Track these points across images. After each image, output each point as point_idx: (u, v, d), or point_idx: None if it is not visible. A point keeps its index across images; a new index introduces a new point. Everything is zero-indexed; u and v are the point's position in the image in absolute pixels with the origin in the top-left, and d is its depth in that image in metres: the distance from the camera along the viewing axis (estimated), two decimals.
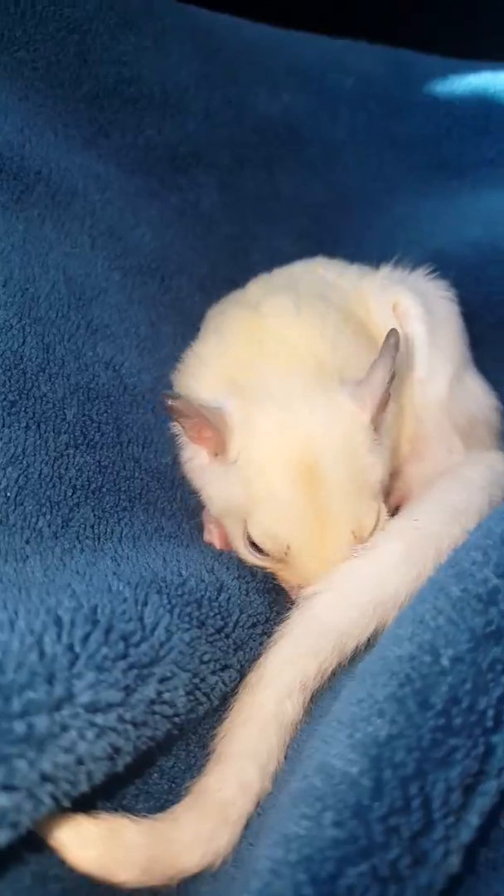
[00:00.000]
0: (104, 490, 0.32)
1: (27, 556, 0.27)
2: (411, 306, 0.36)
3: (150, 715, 0.22)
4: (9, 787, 0.19)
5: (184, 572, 0.27)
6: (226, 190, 0.54)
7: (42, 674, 0.20)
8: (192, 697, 0.24)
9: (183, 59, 0.53)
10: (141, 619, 0.23)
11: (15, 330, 0.33)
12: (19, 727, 0.19)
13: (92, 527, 0.30)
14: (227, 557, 0.31)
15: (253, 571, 0.30)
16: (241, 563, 0.31)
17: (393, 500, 0.35)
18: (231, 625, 0.27)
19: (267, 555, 0.29)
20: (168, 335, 0.42)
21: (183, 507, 0.35)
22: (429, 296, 0.37)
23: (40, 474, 0.30)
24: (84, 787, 0.20)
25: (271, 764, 0.24)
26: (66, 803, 0.20)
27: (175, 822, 0.23)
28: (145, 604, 0.24)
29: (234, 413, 0.30)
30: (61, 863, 0.21)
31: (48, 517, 0.29)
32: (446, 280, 0.39)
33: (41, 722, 0.19)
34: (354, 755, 0.20)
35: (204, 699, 0.25)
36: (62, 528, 0.29)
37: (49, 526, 0.29)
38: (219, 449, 0.30)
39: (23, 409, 0.31)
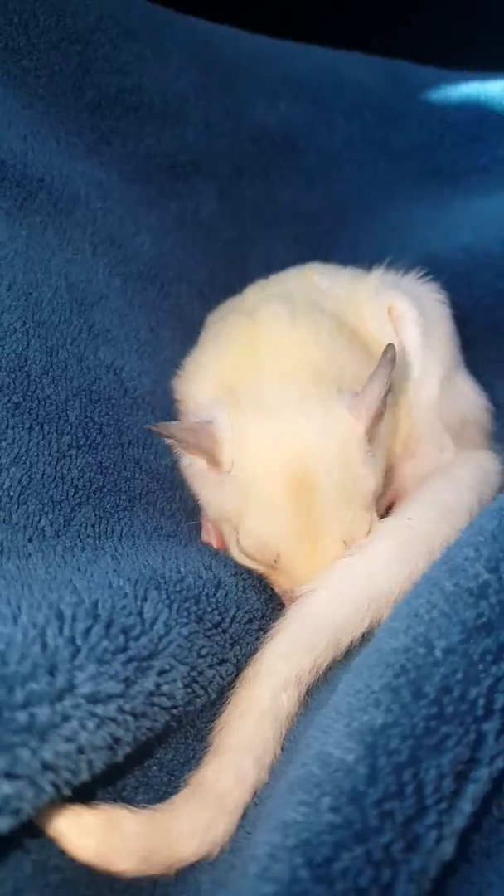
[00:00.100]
0: (105, 490, 0.32)
1: (30, 554, 0.28)
2: (406, 310, 0.37)
3: (150, 706, 0.23)
4: (11, 775, 0.19)
5: (182, 569, 0.28)
6: (224, 198, 0.54)
7: (44, 665, 0.21)
8: (189, 690, 0.24)
9: (182, 69, 0.54)
10: (140, 613, 0.24)
11: (19, 333, 0.34)
12: (22, 717, 0.20)
13: (93, 526, 0.31)
14: (225, 555, 0.31)
15: (249, 569, 0.31)
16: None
17: (386, 498, 0.35)
18: (228, 620, 0.27)
19: (259, 560, 0.30)
20: (167, 340, 0.43)
21: (182, 507, 0.36)
22: (422, 299, 0.38)
23: (43, 474, 0.31)
24: (85, 775, 0.21)
25: (267, 755, 0.25)
26: (67, 791, 0.20)
27: (173, 813, 0.23)
28: (145, 599, 0.25)
29: (226, 424, 0.30)
30: (61, 853, 0.22)
31: (50, 516, 0.30)
32: (438, 284, 0.39)
33: (43, 712, 0.20)
34: (351, 743, 0.20)
35: (201, 692, 0.25)
36: (64, 526, 0.30)
37: (51, 525, 0.29)
38: (212, 463, 0.30)
39: (26, 410, 0.32)
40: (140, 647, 0.23)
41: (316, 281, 0.39)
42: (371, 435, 0.30)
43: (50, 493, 0.30)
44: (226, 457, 0.30)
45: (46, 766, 0.20)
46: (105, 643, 0.22)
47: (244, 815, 0.23)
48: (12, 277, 0.36)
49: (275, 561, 0.29)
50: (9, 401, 0.31)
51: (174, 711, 0.24)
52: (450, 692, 0.20)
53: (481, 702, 0.20)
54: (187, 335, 0.42)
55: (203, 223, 0.53)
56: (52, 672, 0.21)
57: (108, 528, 0.31)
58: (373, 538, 0.29)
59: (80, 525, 0.30)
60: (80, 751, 0.20)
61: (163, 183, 0.52)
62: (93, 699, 0.21)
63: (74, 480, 0.31)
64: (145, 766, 0.26)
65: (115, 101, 0.50)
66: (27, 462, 0.30)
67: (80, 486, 0.31)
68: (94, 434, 0.34)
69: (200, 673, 0.25)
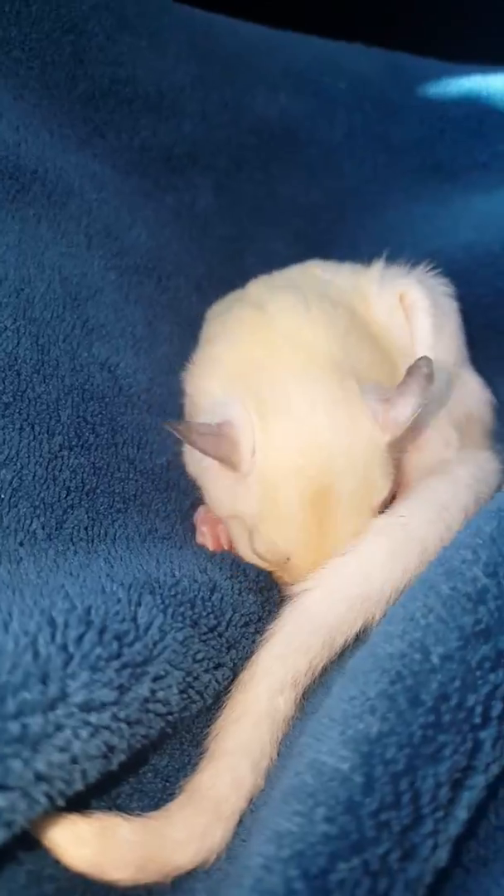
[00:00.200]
0: (98, 492, 0.32)
1: (21, 558, 0.27)
2: (419, 299, 0.36)
3: (144, 713, 0.22)
4: (4, 787, 0.19)
5: (177, 573, 0.27)
6: (222, 191, 0.54)
7: (36, 674, 0.20)
8: (185, 695, 0.24)
9: (179, 59, 0.53)
10: (134, 619, 0.24)
11: (10, 332, 0.33)
12: (14, 727, 0.19)
13: (86, 528, 0.30)
14: (220, 558, 0.31)
15: (245, 572, 0.31)
16: (233, 563, 0.31)
17: (390, 493, 0.35)
18: (224, 624, 0.27)
19: (268, 561, 0.30)
20: (165, 335, 0.42)
21: (177, 508, 0.35)
22: (433, 290, 0.37)
23: (34, 476, 0.30)
24: (79, 785, 0.20)
25: (264, 760, 0.24)
26: (61, 802, 0.20)
27: (169, 820, 0.23)
28: (139, 604, 0.24)
29: (245, 426, 0.29)
30: (56, 862, 0.21)
31: (42, 519, 0.29)
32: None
33: (36, 721, 0.20)
34: (346, 752, 0.20)
35: (197, 697, 0.25)
36: (56, 529, 0.29)
37: (43, 528, 0.29)
38: (229, 466, 0.29)
39: (17, 410, 0.31)
40: (134, 653, 0.23)
41: (320, 275, 0.39)
42: (393, 448, 0.30)
43: (41, 495, 0.30)
44: (245, 459, 0.29)
45: (39, 777, 0.19)
46: (98, 650, 0.22)
47: (240, 822, 0.23)
48: (4, 272, 0.35)
49: (285, 562, 0.29)
50: None
51: (169, 718, 0.23)
52: (447, 700, 0.20)
53: (479, 709, 0.20)
54: (186, 330, 0.42)
55: (200, 216, 0.52)
56: (44, 681, 0.20)
57: (102, 531, 0.30)
58: (367, 536, 0.29)
59: (73, 528, 0.30)
60: (74, 760, 0.20)
61: (159, 175, 0.51)
62: (86, 707, 0.21)
63: (66, 482, 0.31)
64: (140, 773, 0.25)
65: (109, 93, 0.49)
66: (18, 464, 0.30)
67: (72, 488, 0.31)
68: (87, 434, 0.33)
69: (196, 678, 0.25)
